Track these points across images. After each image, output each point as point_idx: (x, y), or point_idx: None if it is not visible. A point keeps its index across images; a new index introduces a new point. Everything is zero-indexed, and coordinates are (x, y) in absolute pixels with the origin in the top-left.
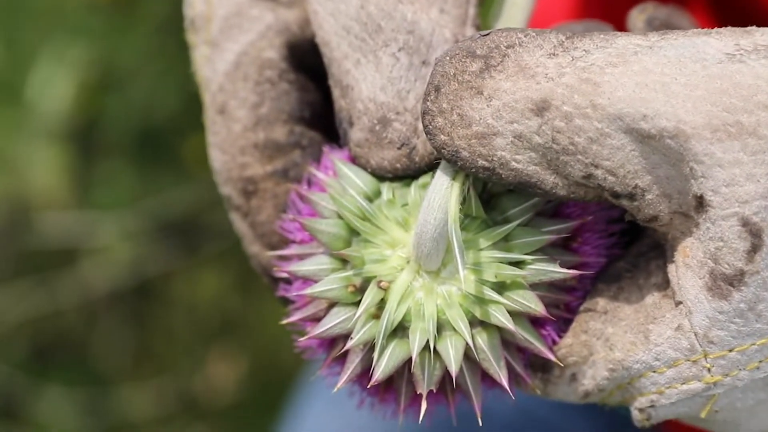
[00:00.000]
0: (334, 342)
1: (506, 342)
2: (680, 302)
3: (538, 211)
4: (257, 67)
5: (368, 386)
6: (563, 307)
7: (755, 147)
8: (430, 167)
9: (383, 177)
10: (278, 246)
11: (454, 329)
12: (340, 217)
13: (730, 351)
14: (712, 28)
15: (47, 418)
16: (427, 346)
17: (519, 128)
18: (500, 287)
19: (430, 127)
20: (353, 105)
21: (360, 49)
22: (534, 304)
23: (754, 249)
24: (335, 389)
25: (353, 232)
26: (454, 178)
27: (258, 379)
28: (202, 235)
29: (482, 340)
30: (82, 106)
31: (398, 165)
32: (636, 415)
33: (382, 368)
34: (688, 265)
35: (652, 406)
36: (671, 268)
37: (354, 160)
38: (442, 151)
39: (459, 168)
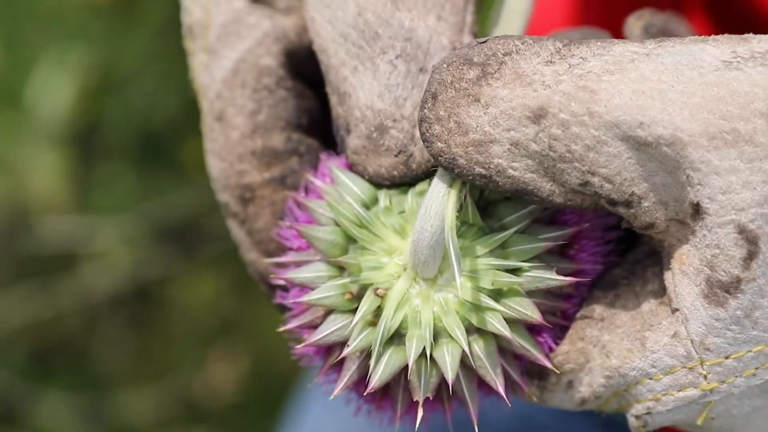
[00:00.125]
0: (331, 349)
1: (503, 349)
2: (676, 309)
3: (535, 219)
4: (255, 74)
5: (365, 393)
6: (560, 314)
7: (752, 155)
8: (428, 174)
9: (380, 184)
10: (275, 253)
11: (451, 336)
12: (337, 224)
13: (727, 358)
14: (710, 35)
15: (47, 423)
16: (423, 354)
17: (516, 136)
18: (497, 294)
19: (427, 134)
20: (350, 112)
21: (357, 56)
22: (530, 312)
23: (750, 256)
24: (332, 396)
25: (350, 240)
26: (451, 186)
27: (257, 382)
28: (201, 239)
29: (479, 347)
30: (82, 110)
31: (395, 172)
32: (632, 422)
33: (378, 375)
34: (685, 273)
35: (648, 413)
36: (668, 276)
37: (351, 167)
38: (439, 158)
39: (456, 175)
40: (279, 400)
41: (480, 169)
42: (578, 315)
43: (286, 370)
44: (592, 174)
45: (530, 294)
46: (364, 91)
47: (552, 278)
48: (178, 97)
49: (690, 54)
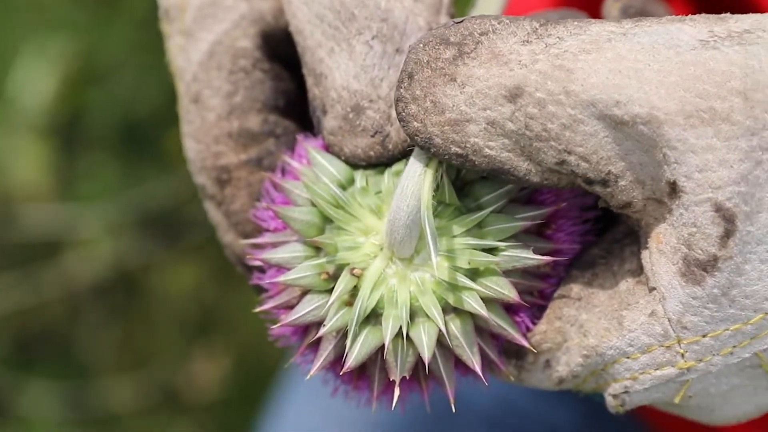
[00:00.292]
0: (308, 329)
1: (480, 329)
2: (654, 288)
3: (512, 198)
4: (231, 56)
5: (341, 373)
6: (537, 294)
7: (728, 133)
8: (404, 155)
9: (357, 165)
10: (252, 235)
11: (427, 316)
12: (313, 204)
13: (704, 336)
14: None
15: (30, 411)
16: (400, 333)
17: (492, 115)
18: (473, 274)
19: (404, 114)
20: (327, 93)
21: (333, 37)
22: (507, 291)
23: (727, 234)
24: (308, 376)
25: (327, 220)
26: (427, 165)
27: (241, 370)
28: (184, 228)
29: (455, 326)
30: (65, 100)
31: (372, 153)
32: (610, 402)
33: (354, 355)
34: (662, 251)
35: (626, 392)
36: (645, 255)
37: (328, 148)
38: (416, 137)
39: (432, 155)
40: (262, 389)
41: (456, 149)
42: (556, 294)
43: (270, 359)
44: (569, 153)
45: (507, 273)
46: (340, 71)
47: (529, 257)
48: (160, 87)
49: (667, 33)
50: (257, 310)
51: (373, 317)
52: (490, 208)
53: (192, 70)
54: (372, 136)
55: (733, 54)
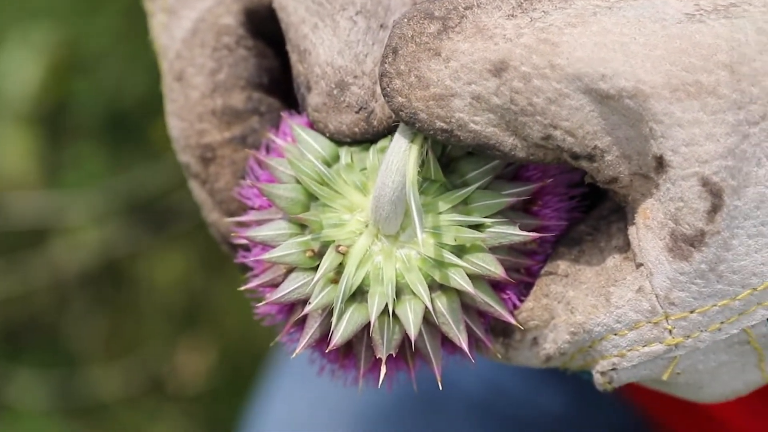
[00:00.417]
0: (294, 308)
1: (466, 306)
2: (641, 264)
3: (498, 175)
4: (214, 33)
5: (327, 351)
6: (524, 271)
7: (715, 106)
8: (389, 131)
9: (342, 141)
10: (237, 213)
11: (413, 293)
12: (298, 182)
13: (692, 312)
14: None
15: (17, 400)
16: (386, 311)
17: (477, 89)
18: (460, 250)
19: (388, 89)
20: (311, 69)
21: (317, 13)
22: (494, 267)
23: (715, 209)
24: (294, 355)
25: (312, 197)
26: (412, 141)
27: (229, 359)
28: (171, 216)
29: (442, 303)
30: (50, 89)
31: (356, 129)
32: (598, 379)
33: (340, 333)
34: (649, 227)
35: (613, 369)
36: (632, 230)
37: (312, 125)
38: (400, 113)
39: (417, 130)
40: (249, 378)
41: (441, 124)
42: (542, 271)
43: (256, 347)
44: (554, 127)
45: (493, 250)
46: (324, 47)
47: (515, 234)
48: (146, 75)
49: (652, 7)
50: (242, 288)
51: (358, 295)
52: (476, 185)
53: (175, 48)
54: (356, 113)
55: (719, 27)
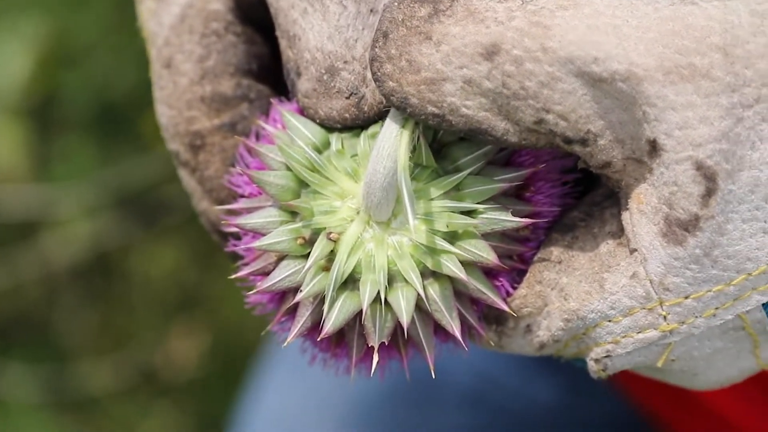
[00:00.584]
0: (285, 296)
1: (459, 293)
2: (635, 250)
3: (490, 160)
4: (203, 19)
5: (318, 339)
6: (517, 257)
7: (708, 89)
8: (380, 117)
9: (332, 128)
10: (227, 201)
11: (406, 280)
12: (288, 168)
13: (686, 298)
14: None
15: (8, 395)
16: (378, 298)
17: (469, 73)
18: (452, 237)
19: (379, 74)
20: (300, 55)
21: None
22: (486, 254)
23: (709, 193)
24: (285, 344)
25: (302, 184)
26: (403, 126)
27: (220, 352)
28: (162, 209)
29: (434, 291)
30: (39, 81)
31: (347, 115)
32: (592, 366)
33: (332, 321)
34: (642, 212)
35: (608, 356)
36: (625, 216)
37: (302, 111)
38: (391, 98)
39: (408, 115)
40: (241, 371)
41: (433, 108)
42: (536, 258)
43: (248, 339)
44: (547, 111)
45: (486, 237)
46: (313, 33)
47: (508, 220)
48: (136, 67)
49: None
50: (233, 276)
51: (350, 282)
52: (468, 170)
53: (164, 35)
54: (347, 98)
55: (712, 9)
